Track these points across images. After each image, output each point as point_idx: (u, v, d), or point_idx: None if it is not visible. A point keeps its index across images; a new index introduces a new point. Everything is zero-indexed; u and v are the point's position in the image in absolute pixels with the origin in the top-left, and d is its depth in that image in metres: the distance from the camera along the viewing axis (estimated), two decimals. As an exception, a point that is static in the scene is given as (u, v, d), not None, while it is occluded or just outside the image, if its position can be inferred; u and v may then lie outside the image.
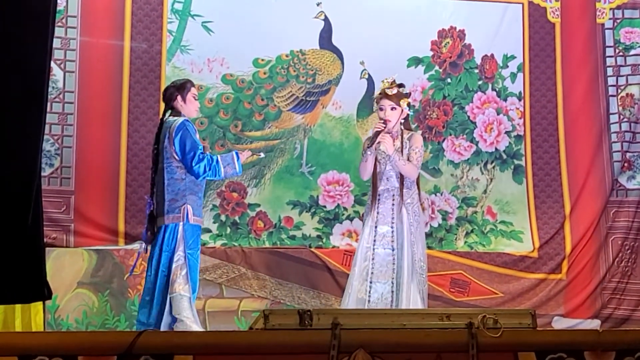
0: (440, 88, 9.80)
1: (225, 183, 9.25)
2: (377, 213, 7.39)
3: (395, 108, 7.42)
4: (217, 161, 7.20)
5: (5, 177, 4.50)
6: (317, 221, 9.42)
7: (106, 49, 9.06)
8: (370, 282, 7.29)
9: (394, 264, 7.26)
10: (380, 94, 7.54)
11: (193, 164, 7.11)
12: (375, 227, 7.36)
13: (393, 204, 7.37)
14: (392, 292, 7.24)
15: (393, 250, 7.28)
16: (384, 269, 7.27)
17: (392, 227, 7.33)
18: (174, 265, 7.10)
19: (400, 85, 7.53)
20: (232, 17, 9.43)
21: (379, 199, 7.43)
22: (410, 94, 7.64)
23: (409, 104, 7.52)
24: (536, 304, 9.17)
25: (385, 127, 7.37)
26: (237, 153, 7.39)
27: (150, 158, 7.57)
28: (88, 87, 8.94)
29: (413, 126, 9.44)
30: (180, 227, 7.15)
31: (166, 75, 9.02)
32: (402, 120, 7.48)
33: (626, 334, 4.62)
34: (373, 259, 7.32)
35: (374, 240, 7.35)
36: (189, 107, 7.46)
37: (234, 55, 9.40)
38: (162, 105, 7.67)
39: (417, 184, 7.51)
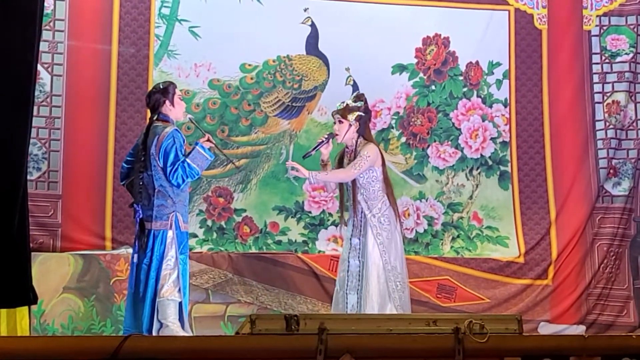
0: (425, 95, 9.82)
1: (212, 188, 9.26)
2: (353, 225, 7.53)
3: (342, 121, 7.61)
4: (189, 164, 7.14)
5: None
6: (303, 227, 9.43)
7: (94, 52, 9.06)
8: (346, 293, 7.44)
9: (359, 275, 7.40)
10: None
11: (171, 178, 7.11)
12: (351, 238, 7.50)
13: (361, 217, 7.49)
14: (358, 303, 7.38)
15: (360, 262, 7.42)
16: (354, 280, 7.42)
17: (359, 239, 7.47)
18: (162, 272, 7.09)
19: (357, 99, 7.68)
20: (219, 22, 9.44)
21: (355, 211, 7.54)
22: (362, 107, 7.65)
23: (359, 117, 7.58)
24: (522, 310, 9.19)
25: (326, 139, 7.62)
26: (199, 145, 7.30)
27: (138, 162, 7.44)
28: (75, 91, 8.93)
29: (397, 133, 9.53)
30: (170, 234, 7.14)
31: (153, 80, 9.00)
32: (357, 133, 7.60)
33: (611, 340, 4.64)
34: (348, 270, 7.47)
35: (349, 252, 7.49)
36: (177, 110, 7.43)
37: (221, 61, 9.41)
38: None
39: (387, 193, 7.58)
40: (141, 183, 7.26)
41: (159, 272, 7.09)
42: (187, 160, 7.16)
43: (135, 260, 7.24)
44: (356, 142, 7.58)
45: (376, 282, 7.35)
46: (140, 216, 7.21)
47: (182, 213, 7.24)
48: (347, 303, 7.42)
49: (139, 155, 7.31)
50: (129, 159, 7.53)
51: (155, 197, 7.19)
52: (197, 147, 7.28)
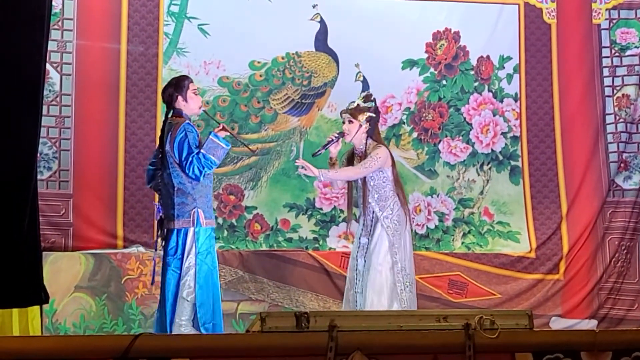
0: (436, 90, 9.80)
1: (223, 186, 9.27)
2: (363, 224, 7.56)
3: (352, 121, 7.61)
4: (204, 155, 6.99)
5: (0, 181, 4.49)
6: (314, 223, 9.44)
7: (102, 51, 9.06)
8: (356, 292, 7.54)
9: (364, 274, 7.45)
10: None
11: (187, 171, 7.03)
12: (360, 237, 7.56)
13: (372, 217, 7.50)
14: (363, 302, 7.45)
15: (365, 261, 7.45)
16: (361, 279, 7.46)
17: (367, 239, 7.49)
18: (183, 271, 7.06)
19: (367, 99, 7.67)
20: (228, 19, 9.44)
21: (365, 211, 7.57)
22: (372, 108, 7.66)
23: (369, 118, 7.59)
24: (534, 305, 9.18)
25: (336, 138, 7.61)
26: (213, 134, 7.13)
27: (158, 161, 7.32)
28: (85, 90, 8.93)
29: (408, 128, 9.52)
30: (191, 232, 7.08)
31: (163, 78, 8.98)
32: (366, 134, 7.61)
33: (623, 334, 4.63)
34: (356, 269, 7.53)
35: (358, 250, 7.54)
36: (191, 105, 7.27)
37: (230, 58, 9.41)
38: (160, 108, 7.62)
39: (398, 193, 7.59)
40: (160, 181, 7.21)
41: (181, 271, 7.07)
42: (202, 151, 7.04)
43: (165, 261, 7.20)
44: (366, 143, 7.58)
45: (383, 283, 7.37)
46: (160, 213, 7.19)
47: (204, 209, 7.11)
48: (356, 302, 7.46)
49: (158, 154, 7.27)
50: (153, 160, 7.45)
51: (176, 196, 7.10)
52: (210, 136, 7.12)
